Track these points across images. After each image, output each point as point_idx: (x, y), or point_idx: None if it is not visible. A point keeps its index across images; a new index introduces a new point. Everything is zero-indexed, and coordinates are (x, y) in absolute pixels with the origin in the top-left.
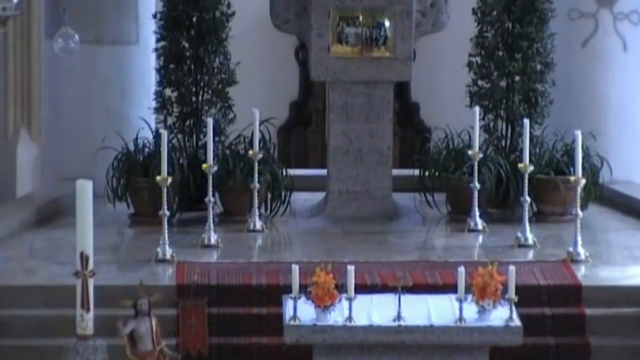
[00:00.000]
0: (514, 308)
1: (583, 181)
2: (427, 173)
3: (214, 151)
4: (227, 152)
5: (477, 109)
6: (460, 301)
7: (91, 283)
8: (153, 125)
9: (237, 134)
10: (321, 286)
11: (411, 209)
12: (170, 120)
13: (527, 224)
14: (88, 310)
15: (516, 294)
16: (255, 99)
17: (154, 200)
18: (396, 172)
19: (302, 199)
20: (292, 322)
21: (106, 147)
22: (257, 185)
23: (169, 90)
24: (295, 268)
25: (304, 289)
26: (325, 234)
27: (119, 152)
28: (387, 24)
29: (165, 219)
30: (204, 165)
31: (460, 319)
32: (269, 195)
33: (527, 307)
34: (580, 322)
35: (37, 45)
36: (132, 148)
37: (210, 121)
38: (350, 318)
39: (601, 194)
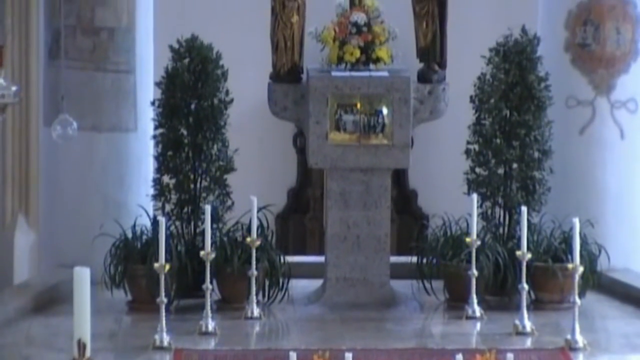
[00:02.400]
0: None
1: (581, 269)
2: (424, 260)
3: (211, 238)
4: (225, 239)
5: (474, 196)
6: None
7: None
8: (151, 212)
9: (235, 221)
10: None
11: (409, 296)
12: (168, 207)
13: (525, 312)
14: None
15: None
16: (253, 186)
17: (152, 287)
18: (394, 259)
19: (300, 286)
20: None
21: (104, 234)
22: (255, 272)
23: (167, 177)
24: (293, 355)
25: None
26: (323, 321)
27: (117, 239)
28: (385, 111)
29: (163, 306)
30: (202, 253)
31: None
32: (267, 282)
33: None
34: None
35: (35, 132)
36: (129, 235)
37: (208, 208)
38: None
39: (599, 282)
